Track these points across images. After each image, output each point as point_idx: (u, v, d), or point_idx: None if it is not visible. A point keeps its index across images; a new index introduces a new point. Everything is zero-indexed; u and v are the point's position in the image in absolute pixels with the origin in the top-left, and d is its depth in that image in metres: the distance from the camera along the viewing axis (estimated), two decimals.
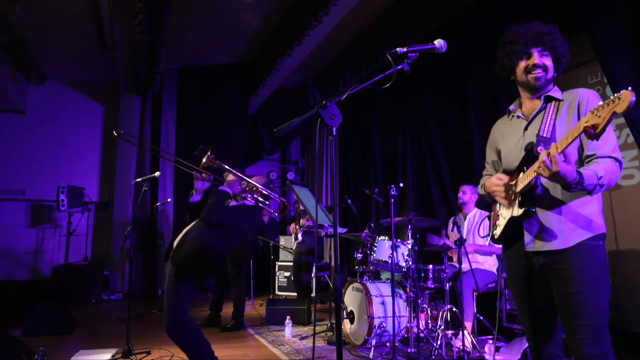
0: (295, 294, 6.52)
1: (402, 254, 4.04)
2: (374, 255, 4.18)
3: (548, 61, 1.78)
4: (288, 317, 4.57)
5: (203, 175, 3.06)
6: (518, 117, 1.90)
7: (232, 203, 3.06)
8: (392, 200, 3.82)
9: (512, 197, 1.75)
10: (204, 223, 2.91)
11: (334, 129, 1.66)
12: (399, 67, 1.68)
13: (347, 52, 6.86)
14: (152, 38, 5.80)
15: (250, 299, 6.48)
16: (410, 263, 3.98)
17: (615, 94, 1.37)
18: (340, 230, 4.90)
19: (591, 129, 1.42)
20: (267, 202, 3.22)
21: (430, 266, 3.95)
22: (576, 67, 4.65)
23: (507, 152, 1.89)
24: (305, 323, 4.98)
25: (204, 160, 2.97)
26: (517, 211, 1.72)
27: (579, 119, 1.69)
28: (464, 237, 4.22)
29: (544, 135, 1.70)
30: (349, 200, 5.36)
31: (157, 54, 6.20)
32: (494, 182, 1.81)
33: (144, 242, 7.46)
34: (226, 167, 3.04)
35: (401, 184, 4.24)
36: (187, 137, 7.54)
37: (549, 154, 1.51)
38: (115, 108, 8.06)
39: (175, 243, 2.92)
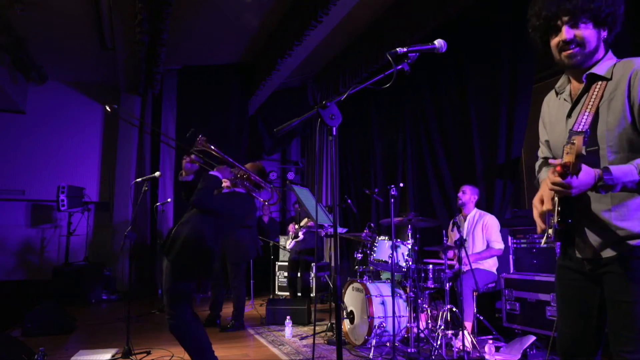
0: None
1: (402, 254, 4.05)
2: (374, 255, 4.18)
3: (584, 32, 1.42)
4: (288, 317, 4.57)
5: (192, 156, 3.02)
6: (564, 99, 1.58)
7: (224, 191, 3.03)
8: (392, 200, 3.82)
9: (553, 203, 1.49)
10: (195, 208, 2.89)
11: (334, 129, 1.66)
12: (399, 67, 1.68)
13: (347, 52, 6.87)
14: (152, 38, 5.80)
15: (250, 299, 6.48)
16: (410, 263, 3.98)
17: (574, 137, 1.25)
18: (340, 230, 4.90)
19: (564, 170, 1.26)
20: (259, 191, 3.18)
21: (430, 266, 3.95)
22: None
23: (554, 141, 1.64)
24: (305, 323, 4.98)
25: (196, 142, 2.95)
26: (556, 221, 1.44)
27: (629, 104, 1.38)
28: (464, 237, 4.22)
29: (578, 129, 1.37)
30: (349, 200, 5.36)
31: (157, 54, 6.20)
32: (535, 203, 1.50)
33: (144, 242, 7.47)
34: (217, 151, 2.98)
35: (401, 184, 4.24)
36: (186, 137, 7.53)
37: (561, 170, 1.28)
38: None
39: (170, 235, 2.89)
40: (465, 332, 3.47)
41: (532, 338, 3.46)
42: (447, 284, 3.77)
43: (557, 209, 1.44)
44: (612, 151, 1.42)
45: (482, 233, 4.24)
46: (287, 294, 6.72)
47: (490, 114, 5.02)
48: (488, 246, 4.19)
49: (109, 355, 3.60)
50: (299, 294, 6.17)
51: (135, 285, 7.20)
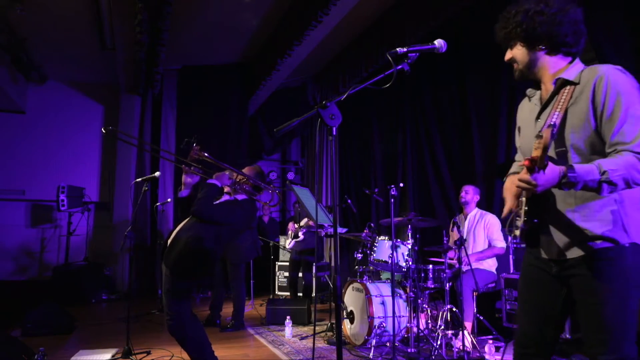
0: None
1: (402, 254, 4.05)
2: (374, 255, 4.18)
3: (515, 52, 1.63)
4: (288, 317, 4.57)
5: (192, 168, 2.99)
6: (535, 104, 1.67)
7: (225, 198, 3.00)
8: (392, 200, 3.82)
9: (521, 203, 1.56)
10: (195, 218, 2.85)
11: (334, 129, 1.66)
12: (399, 67, 1.67)
13: (347, 52, 6.87)
14: (152, 38, 5.80)
15: (250, 299, 6.48)
16: (410, 263, 3.98)
17: (541, 131, 1.31)
18: (340, 230, 4.90)
19: (531, 164, 1.30)
20: (259, 194, 3.14)
21: (430, 266, 3.95)
22: None
23: (524, 145, 1.72)
24: (305, 323, 4.98)
25: (190, 152, 2.91)
26: (523, 221, 1.52)
27: (593, 109, 1.45)
28: (464, 237, 4.22)
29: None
30: (349, 200, 5.35)
31: (157, 54, 6.20)
32: (507, 185, 1.60)
33: (144, 242, 7.47)
34: (213, 158, 2.94)
35: (401, 184, 4.24)
36: (187, 137, 7.49)
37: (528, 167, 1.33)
38: (115, 108, 8.06)
39: (168, 242, 2.87)
40: (465, 332, 3.47)
41: None
42: (447, 284, 3.77)
43: (525, 209, 1.49)
44: (577, 153, 1.49)
45: (483, 232, 4.24)
46: (287, 294, 6.72)
47: (490, 114, 5.02)
48: (490, 245, 4.19)
49: (109, 355, 3.60)
50: (300, 294, 6.17)
51: (135, 285, 7.19)
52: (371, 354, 3.66)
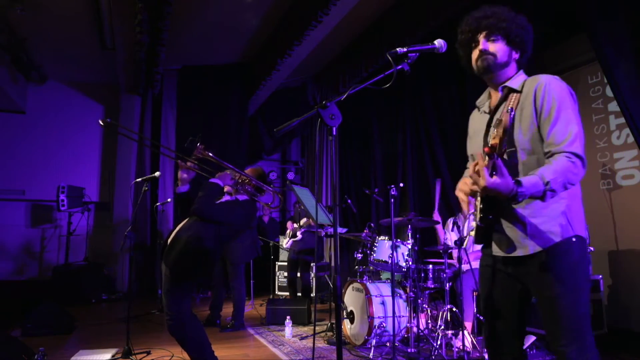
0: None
1: (402, 254, 4.04)
2: (374, 255, 4.18)
3: (497, 45, 1.67)
4: (288, 317, 4.57)
5: (188, 163, 2.98)
6: (484, 112, 1.79)
7: (226, 198, 3.00)
8: (392, 200, 3.82)
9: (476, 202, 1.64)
10: (196, 217, 2.84)
11: (334, 129, 1.66)
12: (399, 67, 1.68)
13: (347, 52, 6.87)
14: (152, 38, 5.80)
15: (250, 299, 6.48)
16: (410, 263, 3.98)
17: (500, 115, 1.35)
18: (340, 230, 4.90)
19: (491, 150, 1.35)
20: (260, 195, 3.14)
21: (430, 266, 3.95)
22: (576, 67, 4.65)
23: (475, 150, 1.82)
24: (305, 323, 4.98)
25: (194, 151, 2.91)
26: (478, 218, 1.59)
27: (535, 112, 1.58)
28: (464, 236, 4.22)
29: None
30: (349, 200, 5.36)
31: (157, 54, 6.20)
32: (460, 186, 1.67)
33: (144, 242, 7.47)
34: (216, 158, 2.93)
35: (401, 184, 4.24)
36: (187, 137, 7.43)
37: (476, 167, 1.40)
38: (115, 108, 8.07)
39: (168, 241, 2.86)
40: (465, 332, 3.47)
41: (532, 338, 3.46)
42: (447, 284, 3.77)
43: (479, 207, 1.58)
44: (525, 153, 1.61)
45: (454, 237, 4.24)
46: (287, 294, 6.72)
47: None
48: None
49: (109, 355, 3.60)
50: (299, 294, 6.17)
51: (135, 285, 7.20)
52: (371, 354, 3.66)
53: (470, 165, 1.87)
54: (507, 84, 1.69)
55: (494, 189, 1.38)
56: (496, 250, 1.68)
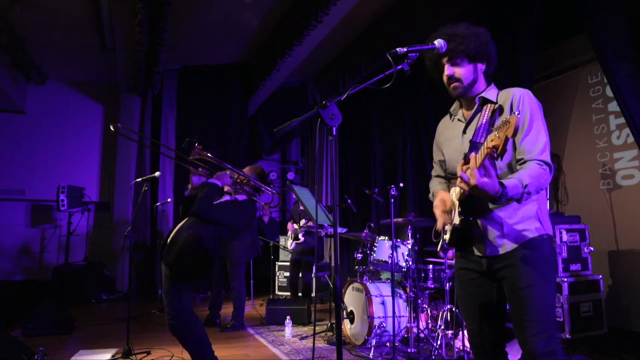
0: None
1: (402, 254, 4.05)
2: (374, 255, 4.18)
3: (460, 69, 1.76)
4: (288, 317, 4.57)
5: (199, 169, 2.99)
6: (458, 120, 1.88)
7: (225, 198, 2.99)
8: (392, 200, 3.82)
9: (453, 205, 1.76)
10: (195, 218, 2.84)
11: (334, 129, 1.66)
12: (399, 67, 1.68)
13: (347, 52, 6.86)
14: (152, 38, 5.79)
15: (250, 299, 6.48)
16: (410, 263, 3.98)
17: (506, 118, 1.39)
18: (340, 230, 4.90)
19: (493, 151, 1.43)
20: (259, 195, 3.14)
21: (430, 266, 3.95)
22: (576, 67, 4.65)
23: (450, 156, 1.90)
24: (305, 323, 4.98)
25: (192, 152, 2.91)
26: (457, 219, 1.72)
27: None
28: None
29: (477, 140, 1.68)
30: (349, 200, 5.35)
31: (157, 54, 6.20)
32: (437, 203, 1.83)
33: (144, 242, 7.47)
34: (214, 158, 2.94)
35: (401, 184, 4.24)
36: (187, 137, 7.43)
37: (468, 167, 1.49)
38: (115, 108, 8.07)
39: (168, 240, 2.86)
40: (465, 332, 3.47)
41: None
42: (447, 284, 3.77)
43: (458, 210, 1.70)
44: (501, 159, 1.64)
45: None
46: (287, 294, 6.72)
47: None
48: None
49: (109, 355, 3.60)
50: (300, 294, 6.17)
51: (135, 285, 7.20)
52: (371, 354, 3.66)
53: (458, 165, 1.91)
54: (483, 94, 1.79)
55: (483, 189, 1.46)
56: (473, 252, 1.77)
